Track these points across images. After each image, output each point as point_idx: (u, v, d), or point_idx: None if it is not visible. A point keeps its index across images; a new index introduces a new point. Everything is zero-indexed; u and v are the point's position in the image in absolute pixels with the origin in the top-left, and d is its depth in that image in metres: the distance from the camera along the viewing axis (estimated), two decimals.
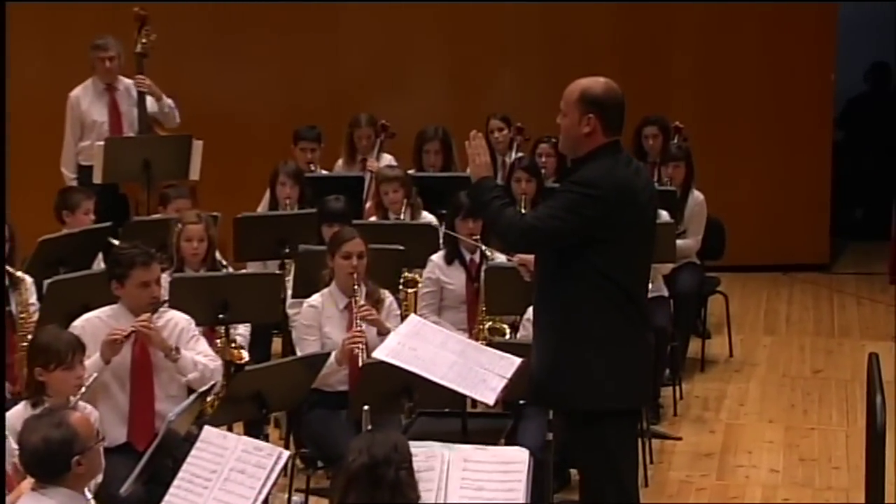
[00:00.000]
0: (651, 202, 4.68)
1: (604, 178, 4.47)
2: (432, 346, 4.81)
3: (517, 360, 4.84)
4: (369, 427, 3.89)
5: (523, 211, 7.37)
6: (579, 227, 4.43)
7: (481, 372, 4.75)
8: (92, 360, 5.13)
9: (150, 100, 8.57)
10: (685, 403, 7.48)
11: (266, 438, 5.89)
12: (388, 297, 6.04)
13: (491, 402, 4.67)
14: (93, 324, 5.32)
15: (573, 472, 5.84)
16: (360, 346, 5.65)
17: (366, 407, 4.00)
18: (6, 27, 7.91)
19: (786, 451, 6.82)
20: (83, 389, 4.91)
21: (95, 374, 5.02)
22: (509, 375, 4.78)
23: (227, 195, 9.39)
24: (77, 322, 5.33)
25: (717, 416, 7.35)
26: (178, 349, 5.31)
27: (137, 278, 5.28)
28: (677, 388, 7.46)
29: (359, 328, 5.72)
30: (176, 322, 5.42)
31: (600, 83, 4.60)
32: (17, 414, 4.74)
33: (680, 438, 7.00)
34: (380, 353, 4.75)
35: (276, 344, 7.36)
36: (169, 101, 8.56)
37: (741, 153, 10.23)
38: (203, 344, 5.49)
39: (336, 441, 5.57)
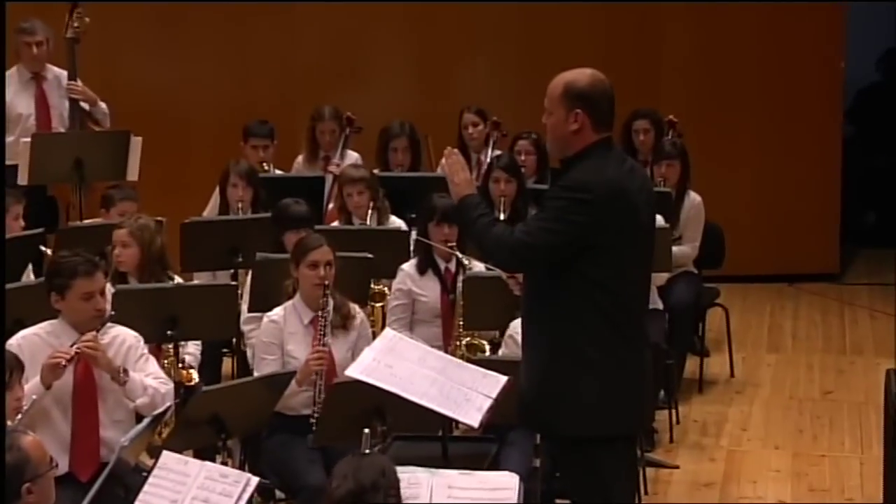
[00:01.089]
0: (648, 204, 4.83)
1: (595, 180, 4.60)
2: (410, 363, 4.97)
3: (503, 379, 5.01)
4: (367, 450, 4.03)
5: (502, 216, 7.61)
6: (574, 236, 4.57)
7: (464, 391, 4.92)
8: (31, 383, 5.24)
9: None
10: (682, 428, 7.66)
11: None
12: (359, 314, 6.19)
13: (476, 423, 4.83)
14: (31, 341, 5.43)
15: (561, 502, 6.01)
16: (324, 365, 5.79)
17: (366, 430, 4.14)
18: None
19: (794, 481, 7.00)
20: (20, 415, 5.02)
21: (34, 398, 5.13)
22: (495, 395, 4.94)
23: (169, 197, 9.53)
24: (13, 340, 5.43)
25: (718, 442, 7.54)
26: (125, 371, 5.43)
27: (80, 289, 5.40)
28: (673, 411, 7.64)
29: (322, 345, 5.86)
30: (123, 339, 5.54)
31: (586, 75, 4.75)
32: None
33: (677, 467, 7.18)
34: (353, 371, 4.91)
35: (227, 364, 7.51)
36: (103, 107, 8.64)
37: (741, 150, 10.44)
38: (153, 364, 5.61)
39: (299, 469, 5.73)
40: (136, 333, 5.62)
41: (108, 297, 5.92)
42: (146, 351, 5.63)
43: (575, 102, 4.69)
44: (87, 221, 8.25)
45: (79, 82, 8.55)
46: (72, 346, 5.37)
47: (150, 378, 5.51)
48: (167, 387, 5.57)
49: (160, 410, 5.07)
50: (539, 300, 4.73)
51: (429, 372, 4.95)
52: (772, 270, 10.40)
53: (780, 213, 10.43)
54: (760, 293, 10.17)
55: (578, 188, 4.61)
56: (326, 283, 5.92)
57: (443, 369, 4.99)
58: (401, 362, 4.97)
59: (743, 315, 9.62)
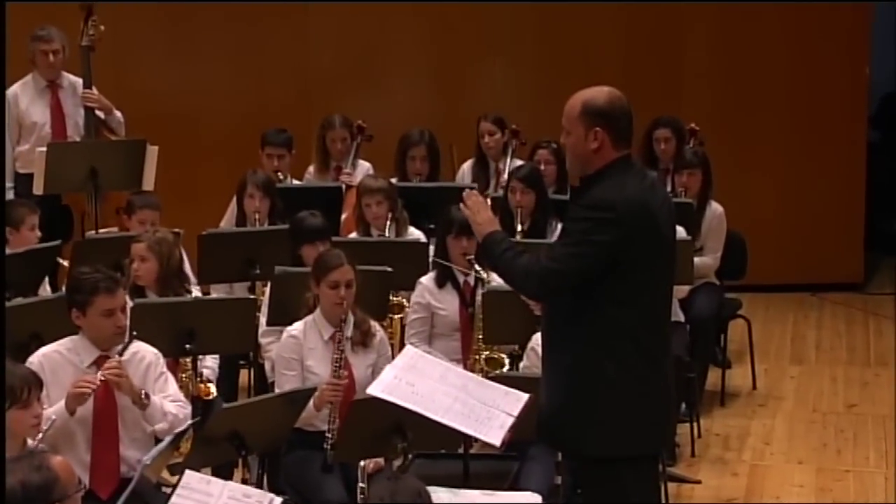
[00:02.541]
0: (670, 219, 4.91)
1: (618, 198, 4.68)
2: (431, 381, 5.06)
3: (524, 396, 5.09)
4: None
5: (520, 227, 7.70)
6: (601, 257, 4.65)
7: (486, 409, 5.00)
8: (55, 408, 5.34)
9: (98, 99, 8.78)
10: (704, 442, 7.73)
11: None
12: (379, 332, 6.28)
13: (498, 442, 4.91)
14: (51, 359, 5.52)
15: None
16: (339, 396, 5.89)
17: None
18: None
19: (817, 496, 7.05)
20: (40, 435, 5.11)
21: (54, 418, 5.22)
22: (517, 413, 5.02)
23: (184, 203, 9.64)
24: (34, 358, 5.53)
25: (740, 456, 7.61)
26: (147, 395, 5.51)
27: (101, 306, 5.49)
28: (695, 424, 7.70)
29: (339, 376, 5.95)
30: (143, 356, 5.63)
31: (603, 93, 4.82)
32: None
33: (699, 482, 7.25)
34: (374, 390, 5.00)
35: (244, 375, 7.61)
36: (118, 116, 8.77)
37: (764, 156, 10.51)
38: (172, 384, 5.70)
39: (318, 486, 5.83)
40: (155, 350, 5.71)
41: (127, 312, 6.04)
42: (165, 369, 5.72)
43: (594, 120, 4.77)
44: (102, 231, 8.37)
45: (94, 90, 8.65)
46: (98, 371, 5.45)
47: (169, 401, 5.59)
48: (186, 410, 5.65)
49: (181, 429, 5.16)
50: (560, 318, 4.81)
51: (450, 389, 5.03)
52: (795, 279, 10.46)
53: (804, 220, 10.50)
54: (783, 303, 10.23)
55: (601, 207, 4.69)
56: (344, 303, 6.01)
57: (464, 387, 5.07)
58: (422, 380, 5.05)
59: (765, 325, 9.69)
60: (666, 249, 4.86)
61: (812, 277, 10.49)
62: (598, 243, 4.65)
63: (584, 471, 4.83)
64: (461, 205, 5.00)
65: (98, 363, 5.53)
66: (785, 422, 8.09)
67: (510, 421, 4.98)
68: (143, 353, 5.65)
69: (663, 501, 6.72)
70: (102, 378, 5.39)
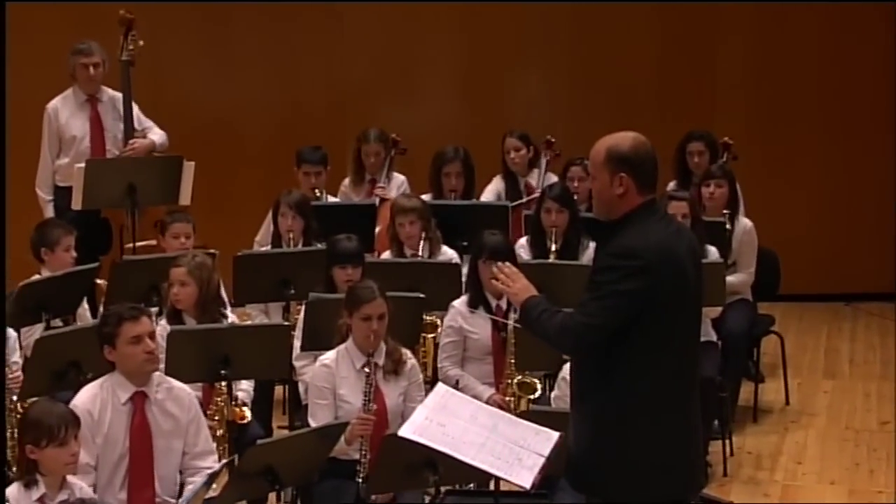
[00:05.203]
0: (695, 265, 4.87)
1: (643, 245, 4.69)
2: (462, 421, 5.04)
3: (555, 436, 5.06)
4: None
5: (553, 247, 7.68)
6: (633, 305, 4.64)
7: (516, 450, 4.98)
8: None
9: (137, 114, 8.80)
10: (736, 461, 7.69)
11: None
12: (411, 360, 6.27)
13: (528, 484, 4.89)
14: (91, 394, 5.54)
15: None
16: (369, 430, 5.90)
17: None
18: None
19: None
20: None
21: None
22: (547, 453, 5.01)
23: (219, 213, 9.70)
24: (76, 401, 5.54)
25: (772, 476, 7.56)
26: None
27: (128, 333, 5.50)
28: (727, 442, 7.68)
29: (369, 410, 5.95)
30: (177, 396, 5.63)
31: (628, 139, 4.81)
32: (13, 500, 4.98)
33: (731, 503, 7.22)
34: (406, 431, 4.99)
35: (279, 390, 7.64)
36: (161, 135, 8.80)
37: (797, 167, 10.46)
38: (203, 431, 5.68)
39: None
40: (189, 391, 5.73)
41: (163, 339, 6.06)
42: (199, 411, 5.73)
43: (619, 166, 4.76)
44: (140, 244, 8.41)
45: (136, 142, 8.67)
46: (134, 407, 5.47)
47: (195, 467, 5.57)
48: (212, 469, 5.56)
49: (214, 469, 5.18)
50: (587, 365, 4.81)
51: (481, 430, 5.02)
52: (828, 289, 10.40)
53: (837, 229, 10.44)
54: (817, 314, 10.17)
55: (629, 255, 4.68)
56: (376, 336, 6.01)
57: (494, 427, 5.05)
58: (453, 420, 5.03)
59: (799, 337, 9.63)
60: (691, 294, 4.84)
61: (845, 287, 10.43)
62: (627, 293, 4.65)
63: None
64: (493, 280, 5.02)
65: (134, 400, 5.55)
66: (817, 440, 8.04)
67: (540, 462, 4.96)
68: (177, 392, 5.66)
69: None
70: None
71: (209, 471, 5.36)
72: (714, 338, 7.73)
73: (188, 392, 5.69)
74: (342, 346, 6.18)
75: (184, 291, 6.67)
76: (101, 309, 7.44)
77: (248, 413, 6.61)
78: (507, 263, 5.07)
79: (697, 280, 4.89)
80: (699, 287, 4.91)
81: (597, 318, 4.67)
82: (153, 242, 8.26)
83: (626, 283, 4.64)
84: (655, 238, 4.72)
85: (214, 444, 5.81)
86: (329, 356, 6.18)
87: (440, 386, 5.29)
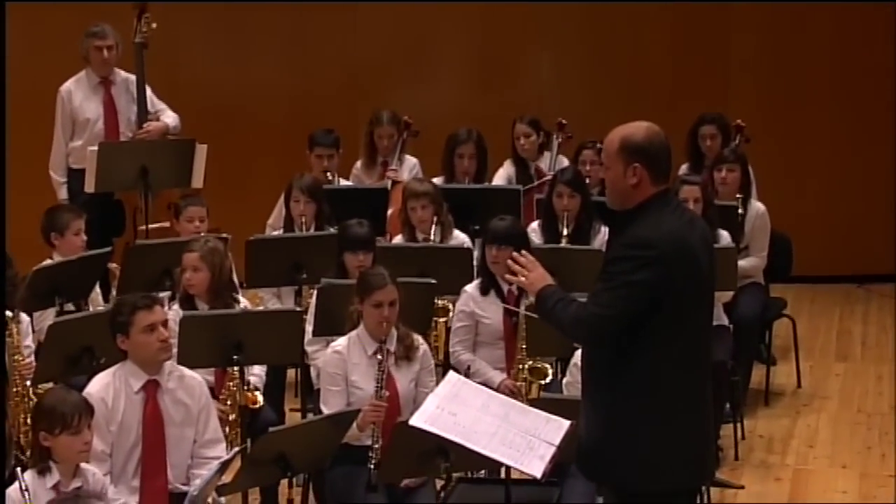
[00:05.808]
0: (708, 255, 4.85)
1: (656, 236, 4.67)
2: (473, 410, 5.04)
3: (566, 424, 5.07)
4: None
5: (565, 231, 7.67)
6: (646, 295, 4.63)
7: (527, 439, 4.98)
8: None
9: (150, 96, 8.80)
10: (748, 445, 7.68)
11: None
12: (422, 346, 6.26)
13: (539, 474, 4.89)
14: (104, 382, 5.55)
15: None
16: (381, 417, 5.90)
17: None
18: (6, 27, 8.15)
19: None
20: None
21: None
22: (558, 442, 5.01)
23: (232, 196, 9.70)
24: (90, 389, 5.54)
25: (784, 460, 7.55)
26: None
27: (141, 322, 5.50)
28: (738, 426, 7.67)
29: (381, 397, 5.95)
30: (192, 387, 5.64)
31: (641, 129, 4.79)
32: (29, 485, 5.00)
33: (742, 487, 7.20)
34: (417, 421, 4.99)
35: (291, 373, 7.64)
36: (174, 117, 8.79)
37: (811, 146, 10.43)
38: (213, 420, 5.68)
39: (362, 501, 5.83)
40: (200, 379, 5.74)
41: (175, 324, 6.06)
42: (210, 400, 5.73)
43: (632, 157, 4.74)
44: (153, 226, 8.42)
45: (150, 125, 8.66)
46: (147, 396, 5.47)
47: (204, 463, 5.54)
48: (220, 458, 5.52)
49: (226, 458, 5.19)
50: (600, 355, 4.79)
51: (492, 419, 5.02)
52: (841, 271, 10.38)
53: (850, 210, 10.41)
54: (829, 296, 10.15)
55: (643, 245, 4.66)
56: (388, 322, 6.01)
57: (505, 416, 5.05)
58: (464, 409, 5.03)
59: (811, 319, 9.61)
60: (704, 284, 4.83)
61: (858, 269, 10.40)
62: (640, 283, 4.63)
63: (621, 502, 4.82)
64: (508, 275, 4.99)
65: (146, 388, 5.56)
66: (829, 423, 8.02)
67: (551, 451, 4.96)
68: (188, 381, 5.66)
69: None
70: None
71: (216, 461, 5.35)
72: (726, 322, 7.71)
73: (199, 380, 5.70)
74: (354, 333, 6.17)
75: (196, 277, 6.66)
76: (114, 293, 7.49)
77: (260, 398, 6.60)
78: (524, 252, 5.04)
79: (710, 270, 4.87)
80: (712, 277, 4.89)
81: (610, 309, 4.66)
82: (166, 224, 8.28)
83: (639, 273, 4.63)
84: (669, 228, 4.71)
85: (223, 433, 5.81)
86: (341, 343, 6.17)
87: (451, 374, 5.29)
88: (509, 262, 5.00)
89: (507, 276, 5.06)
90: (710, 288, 4.89)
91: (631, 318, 4.65)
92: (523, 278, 4.91)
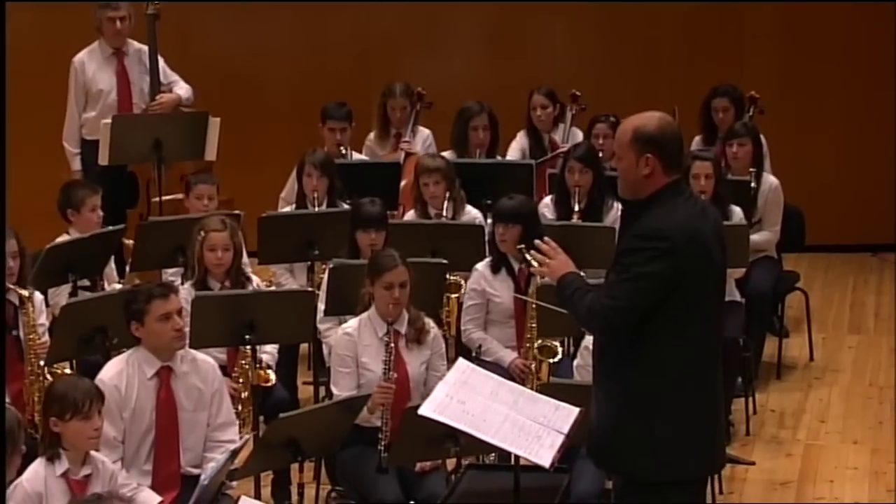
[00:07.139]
0: (720, 244, 4.82)
1: (669, 226, 4.64)
2: (482, 398, 5.03)
3: (575, 411, 5.06)
4: None
5: (577, 206, 7.63)
6: (659, 287, 4.61)
7: (536, 427, 4.97)
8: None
9: (163, 67, 8.76)
10: (759, 420, 7.65)
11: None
12: (433, 329, 6.24)
13: (547, 464, 4.88)
14: (117, 369, 5.55)
15: None
16: (390, 398, 5.89)
17: None
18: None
19: (871, 481, 6.96)
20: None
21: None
22: (566, 430, 5.00)
23: (244, 170, 9.68)
24: (103, 376, 5.55)
25: (795, 435, 7.52)
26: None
27: (157, 311, 5.50)
28: (750, 400, 7.64)
29: (389, 378, 5.94)
30: (200, 368, 5.64)
31: (654, 119, 4.76)
32: (37, 476, 5.01)
33: (753, 463, 7.17)
34: (427, 410, 4.98)
35: (304, 347, 7.62)
36: (184, 93, 8.75)
37: (824, 116, 10.37)
38: (225, 404, 5.68)
39: (374, 485, 5.84)
40: (213, 362, 5.73)
41: (187, 304, 6.05)
42: (224, 385, 5.73)
43: (645, 147, 4.70)
44: (166, 198, 8.41)
45: (162, 97, 8.64)
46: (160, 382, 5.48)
47: (217, 447, 5.56)
48: (233, 441, 5.57)
49: (237, 445, 5.19)
50: (612, 344, 4.76)
51: (501, 407, 5.01)
52: (854, 240, 10.32)
53: (864, 178, 10.34)
54: (843, 265, 10.10)
55: (656, 236, 4.63)
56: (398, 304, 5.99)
57: (514, 403, 5.04)
58: (473, 397, 5.02)
59: (824, 291, 9.57)
60: (716, 274, 4.81)
61: (872, 238, 10.34)
62: (653, 275, 4.60)
63: (632, 493, 4.81)
64: (529, 265, 4.96)
65: (160, 374, 5.56)
66: (841, 397, 7.99)
67: (560, 439, 4.96)
68: (199, 363, 5.66)
69: (717, 484, 6.69)
70: None
71: (230, 446, 5.36)
72: (738, 297, 7.66)
73: (212, 364, 5.70)
74: (364, 314, 6.16)
75: (227, 256, 6.63)
76: (128, 269, 7.49)
77: (272, 376, 6.61)
78: (547, 239, 4.99)
79: (722, 259, 4.85)
80: (724, 266, 4.87)
81: (623, 300, 4.63)
82: (179, 196, 8.25)
83: (652, 265, 4.60)
84: (681, 219, 4.68)
85: (235, 416, 5.81)
86: (351, 324, 6.16)
87: (461, 361, 5.28)
88: (532, 252, 4.94)
89: (532, 269, 4.99)
90: (722, 278, 4.87)
91: (644, 309, 4.63)
92: (545, 269, 4.87)
